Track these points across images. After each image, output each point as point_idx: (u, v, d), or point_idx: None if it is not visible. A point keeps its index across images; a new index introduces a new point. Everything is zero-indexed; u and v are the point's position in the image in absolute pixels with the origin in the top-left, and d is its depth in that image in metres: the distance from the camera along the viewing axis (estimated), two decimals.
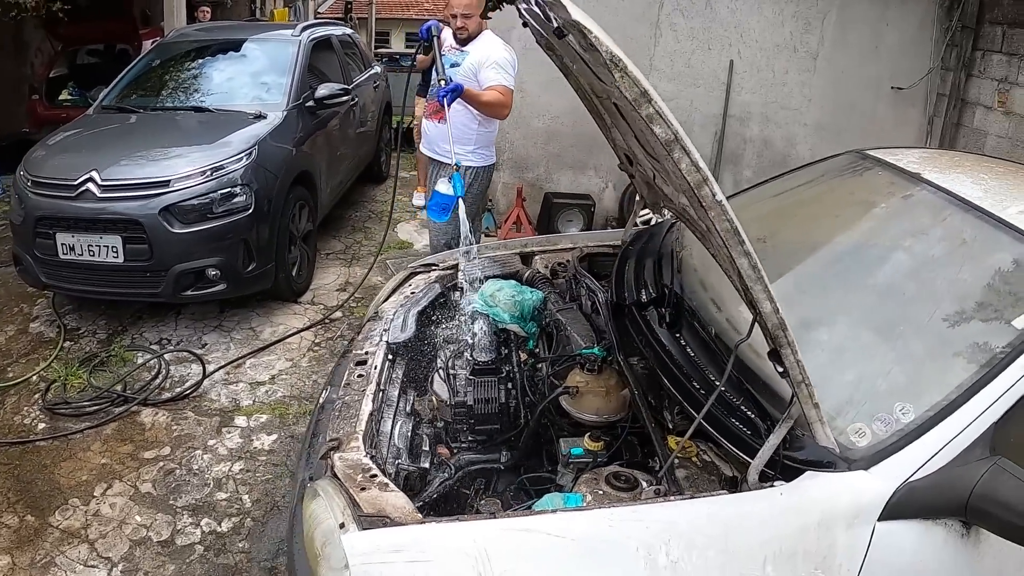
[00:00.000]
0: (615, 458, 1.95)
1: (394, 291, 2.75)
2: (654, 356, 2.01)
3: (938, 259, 2.07)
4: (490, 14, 2.27)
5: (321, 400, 2.23)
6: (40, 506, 2.78)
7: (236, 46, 4.95)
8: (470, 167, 3.68)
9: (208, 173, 3.71)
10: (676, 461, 1.73)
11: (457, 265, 2.86)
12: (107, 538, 2.63)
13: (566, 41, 1.64)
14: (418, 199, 6.39)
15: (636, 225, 2.94)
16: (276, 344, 3.96)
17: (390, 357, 2.34)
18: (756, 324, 1.57)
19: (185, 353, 3.78)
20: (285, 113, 4.34)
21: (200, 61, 4.88)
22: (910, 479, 1.52)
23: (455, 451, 2.15)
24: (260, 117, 4.21)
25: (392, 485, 1.69)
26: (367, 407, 2.04)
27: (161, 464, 3.01)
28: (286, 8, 12.22)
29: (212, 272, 3.77)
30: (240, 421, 3.32)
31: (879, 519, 1.50)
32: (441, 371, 2.25)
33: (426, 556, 1.46)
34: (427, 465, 2.04)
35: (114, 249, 3.59)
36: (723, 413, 1.72)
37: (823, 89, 5.42)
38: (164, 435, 3.20)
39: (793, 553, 1.48)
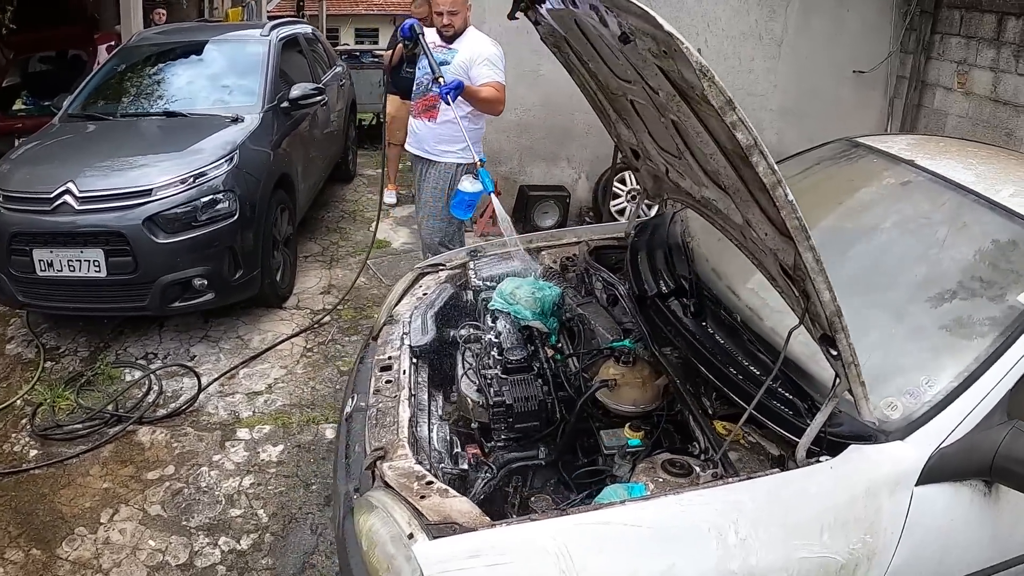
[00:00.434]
0: (655, 446, 2.00)
1: (405, 293, 2.73)
2: (688, 346, 2.06)
3: (943, 242, 2.18)
4: (518, 14, 2.25)
5: (348, 409, 2.20)
6: (45, 538, 2.66)
7: (203, 48, 4.79)
8: (461, 164, 3.66)
9: (190, 180, 3.59)
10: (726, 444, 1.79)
11: (465, 264, 2.85)
12: (122, 567, 2.54)
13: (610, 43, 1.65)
14: (389, 197, 6.33)
15: (639, 217, 2.97)
16: (268, 352, 3.87)
17: (413, 361, 2.33)
18: (806, 312, 1.64)
19: (176, 367, 3.67)
20: (261, 115, 4.24)
21: (167, 64, 4.70)
22: (941, 446, 1.65)
23: (487, 451, 2.15)
24: (237, 120, 4.09)
25: (452, 491, 1.68)
26: (405, 413, 2.03)
27: (167, 484, 2.92)
28: (240, 8, 11.86)
29: (199, 282, 3.66)
30: (243, 434, 3.24)
31: (916, 484, 1.63)
32: (471, 372, 2.24)
33: (506, 558, 1.47)
34: (465, 467, 2.04)
35: (96, 263, 3.45)
36: (765, 396, 1.79)
37: (788, 75, 5.56)
38: (165, 453, 3.11)
39: (846, 521, 1.59)
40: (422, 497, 1.65)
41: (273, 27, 5.07)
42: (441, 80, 3.02)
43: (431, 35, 3.56)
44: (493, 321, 2.47)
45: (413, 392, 2.16)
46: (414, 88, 3.70)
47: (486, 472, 2.00)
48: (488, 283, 2.70)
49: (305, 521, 2.75)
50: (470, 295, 2.76)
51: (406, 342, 2.39)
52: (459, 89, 3.06)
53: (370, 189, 6.86)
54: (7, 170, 3.74)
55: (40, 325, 4.02)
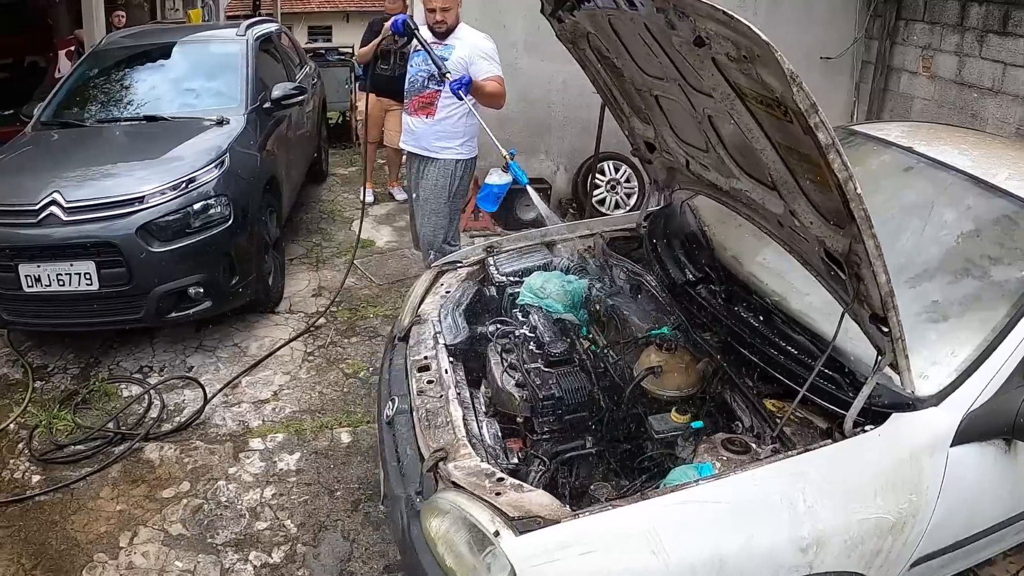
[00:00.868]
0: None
1: (427, 292, 2.71)
2: (728, 330, 2.12)
3: (952, 223, 2.32)
4: (560, 13, 2.26)
5: (390, 412, 2.18)
6: (63, 568, 2.54)
7: (179, 49, 4.62)
8: (460, 159, 3.64)
9: (182, 186, 3.48)
10: (779, 421, 1.86)
11: (483, 261, 2.85)
12: None
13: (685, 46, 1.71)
14: (367, 195, 6.24)
15: (649, 208, 3.01)
16: (268, 358, 3.79)
17: (451, 359, 2.32)
18: (857, 294, 1.71)
19: (176, 380, 3.55)
20: (246, 117, 4.12)
21: (142, 67, 4.52)
22: (971, 409, 1.82)
23: (530, 444, 2.16)
24: (222, 123, 3.98)
25: (527, 485, 1.69)
26: (457, 412, 2.03)
27: (185, 501, 2.84)
28: (200, 8, 11.48)
29: (195, 290, 3.55)
30: (256, 444, 3.17)
31: (951, 446, 1.79)
32: (512, 368, 2.24)
33: (596, 546, 1.51)
34: (516, 461, 2.05)
35: (87, 276, 3.31)
36: (808, 373, 1.87)
37: None
38: (177, 470, 3.01)
39: (894, 483, 1.74)
40: (497, 494, 1.66)
41: (249, 25, 4.93)
42: (449, 76, 3.00)
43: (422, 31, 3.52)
44: (524, 315, 2.48)
45: (458, 391, 2.16)
46: (407, 85, 3.66)
47: (539, 464, 2.01)
48: (511, 278, 2.70)
49: (335, 528, 2.71)
50: (493, 291, 2.76)
51: (440, 341, 2.38)
52: (470, 84, 3.05)
53: (344, 188, 6.76)
54: None
55: (24, 343, 3.84)
